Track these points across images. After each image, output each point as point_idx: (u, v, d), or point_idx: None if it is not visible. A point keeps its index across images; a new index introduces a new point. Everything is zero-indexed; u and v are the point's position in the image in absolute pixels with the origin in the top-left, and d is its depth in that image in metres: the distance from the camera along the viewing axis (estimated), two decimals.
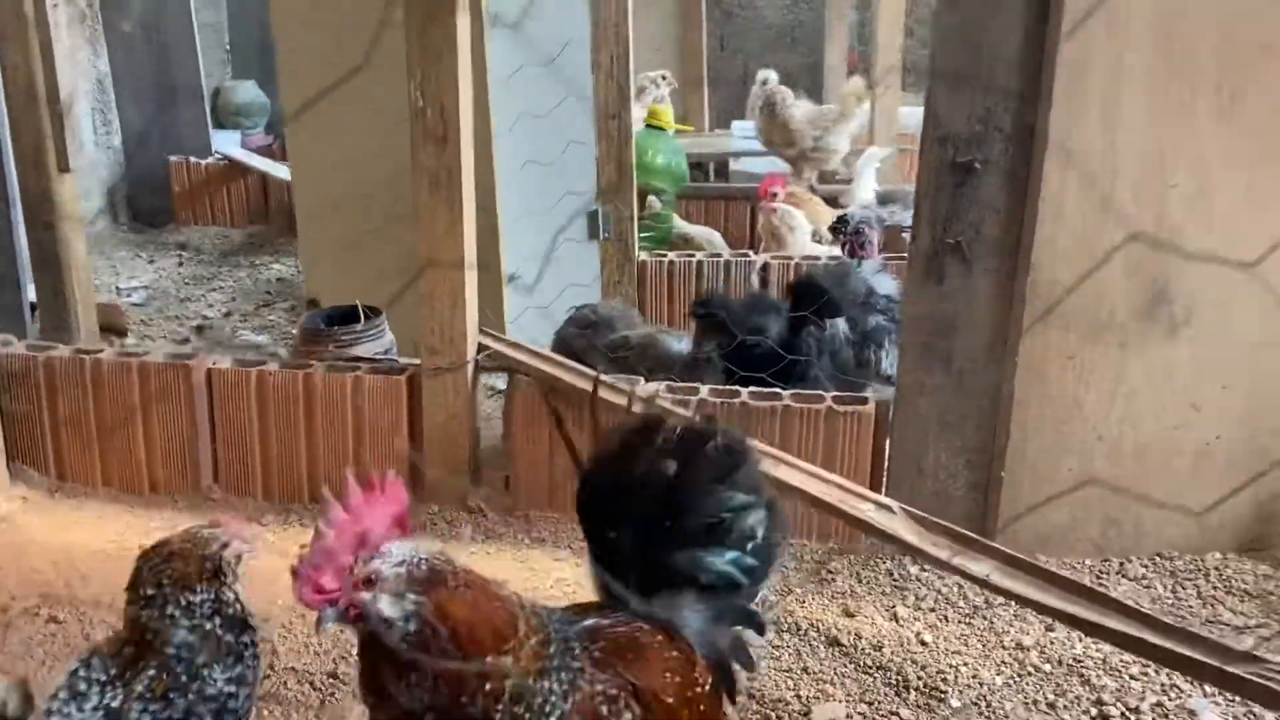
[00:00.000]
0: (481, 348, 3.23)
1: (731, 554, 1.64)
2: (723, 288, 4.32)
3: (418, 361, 3.26)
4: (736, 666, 1.68)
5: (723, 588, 1.64)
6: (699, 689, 1.63)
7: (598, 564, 1.68)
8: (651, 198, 5.33)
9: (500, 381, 3.78)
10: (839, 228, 4.27)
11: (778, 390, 3.12)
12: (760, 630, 1.69)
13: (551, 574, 2.93)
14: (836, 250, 4.46)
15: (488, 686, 1.44)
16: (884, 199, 5.31)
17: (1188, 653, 2.03)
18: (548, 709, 1.48)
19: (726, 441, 1.67)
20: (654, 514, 1.61)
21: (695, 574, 1.62)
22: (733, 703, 1.70)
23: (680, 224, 5.39)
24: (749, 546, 1.65)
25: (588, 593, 1.75)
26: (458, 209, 3.05)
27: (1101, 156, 2.69)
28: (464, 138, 2.99)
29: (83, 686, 1.72)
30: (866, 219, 4.20)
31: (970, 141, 2.74)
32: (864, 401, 3.04)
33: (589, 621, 1.62)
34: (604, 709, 1.53)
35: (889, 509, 2.59)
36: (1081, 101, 2.66)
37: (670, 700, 1.58)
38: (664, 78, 6.38)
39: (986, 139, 2.73)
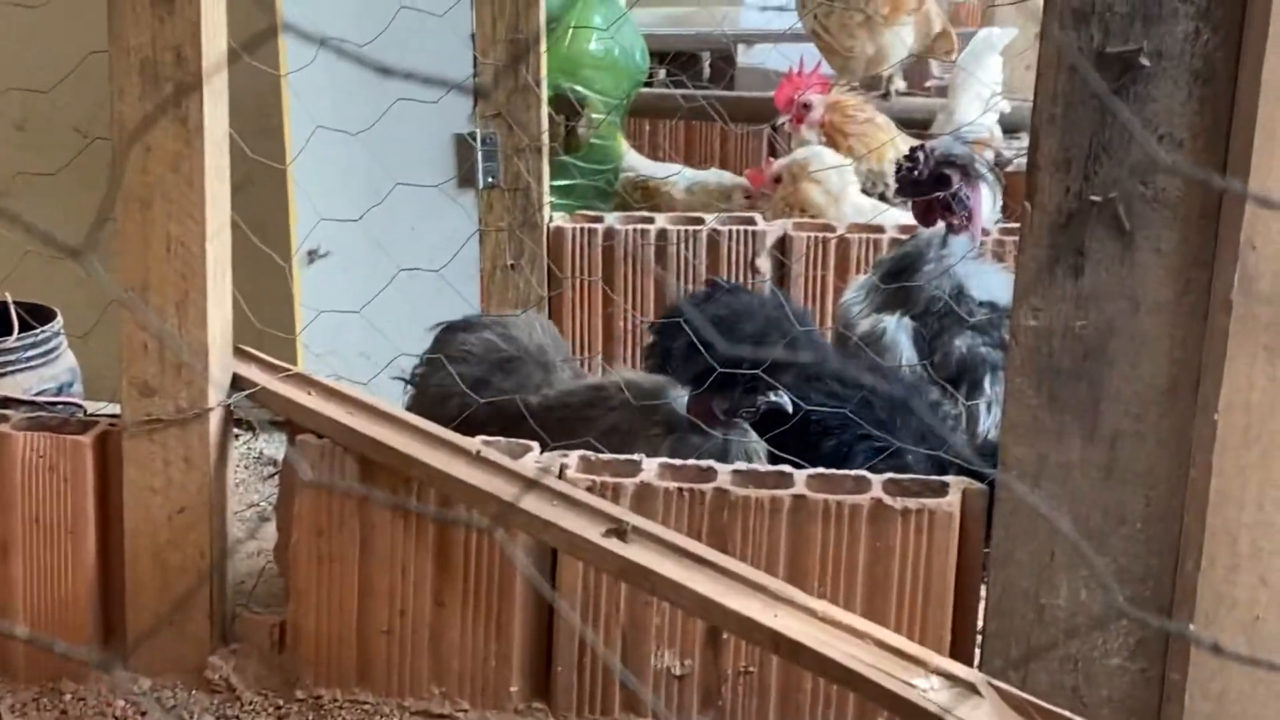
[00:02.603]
0: (240, 383, 3.22)
1: None
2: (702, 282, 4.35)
3: (117, 410, 3.26)
4: None
5: None
6: None
7: None
8: (587, 113, 5.34)
9: (280, 447, 3.82)
10: (909, 169, 4.11)
11: (786, 470, 3.14)
12: None
13: None
14: (905, 213, 4.47)
15: None
16: (1010, 125, 5.34)
17: None
18: None
19: None
20: None
21: None
22: None
23: (634, 160, 5.43)
24: None
25: None
26: (195, 122, 3.06)
27: None
28: None
29: None
30: (959, 156, 4.06)
31: (1130, 19, 2.75)
32: (941, 490, 3.04)
33: None
34: None
35: (972, 688, 2.58)
36: None
37: None
38: None
39: (1161, 14, 2.74)
